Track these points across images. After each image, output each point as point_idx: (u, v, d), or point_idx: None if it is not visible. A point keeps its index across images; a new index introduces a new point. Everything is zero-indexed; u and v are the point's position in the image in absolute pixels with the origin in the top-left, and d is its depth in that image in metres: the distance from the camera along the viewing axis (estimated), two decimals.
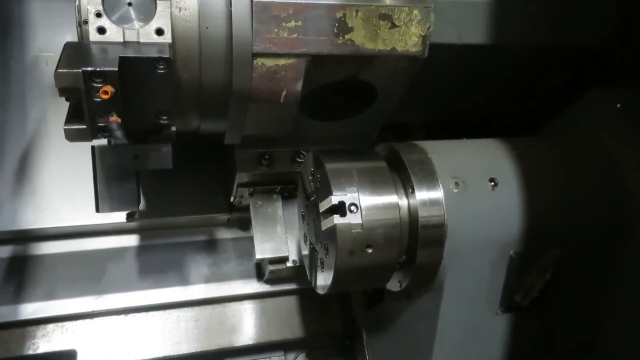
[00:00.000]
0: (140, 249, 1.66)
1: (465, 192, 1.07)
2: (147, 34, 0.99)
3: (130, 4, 1.00)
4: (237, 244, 1.73)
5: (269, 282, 1.67)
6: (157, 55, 0.95)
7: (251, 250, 1.70)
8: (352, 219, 1.01)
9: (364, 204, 1.03)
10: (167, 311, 1.62)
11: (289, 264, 1.53)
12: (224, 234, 1.74)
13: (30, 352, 1.50)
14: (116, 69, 0.89)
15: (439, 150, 1.12)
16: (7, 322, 1.48)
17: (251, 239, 1.70)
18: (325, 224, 1.04)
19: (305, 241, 1.25)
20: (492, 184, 1.09)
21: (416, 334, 1.22)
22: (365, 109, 1.33)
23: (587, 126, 1.23)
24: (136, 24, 0.99)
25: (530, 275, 1.13)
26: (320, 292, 1.15)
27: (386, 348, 1.44)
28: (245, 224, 1.73)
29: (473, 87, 1.37)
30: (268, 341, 1.68)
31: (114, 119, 0.93)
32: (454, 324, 1.14)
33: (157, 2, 1.00)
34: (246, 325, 1.67)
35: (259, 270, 1.69)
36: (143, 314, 1.60)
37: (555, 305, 1.16)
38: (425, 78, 1.24)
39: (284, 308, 1.72)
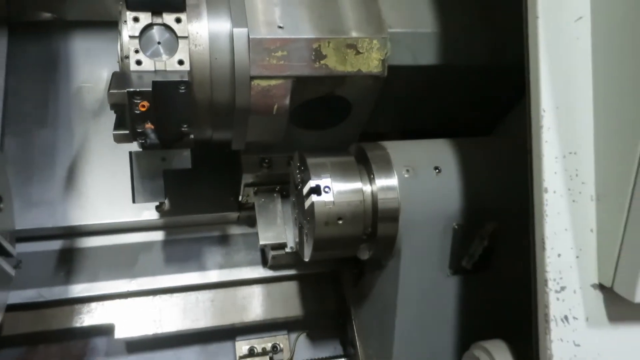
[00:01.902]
0: (165, 243, 1.97)
1: (415, 177, 1.38)
2: (172, 64, 1.34)
3: (159, 43, 1.35)
4: (246, 238, 2.04)
5: (272, 268, 1.97)
6: (179, 79, 1.29)
7: (257, 243, 2.02)
8: (326, 197, 1.34)
9: (335, 187, 1.35)
10: (188, 293, 1.91)
11: (287, 249, 1.83)
12: (235, 230, 2.04)
13: (77, 325, 1.81)
14: (150, 89, 1.24)
15: (395, 147, 1.44)
16: (59, 300, 1.79)
17: (257, 234, 2.03)
18: (307, 203, 1.36)
19: (295, 224, 1.57)
20: (437, 171, 1.40)
21: (385, 296, 1.52)
22: (344, 120, 1.65)
23: (517, 129, 1.54)
24: (164, 57, 1.33)
25: (472, 243, 1.43)
26: (306, 259, 1.46)
27: (367, 317, 1.73)
28: (252, 222, 2.03)
29: (431, 100, 1.68)
30: (273, 318, 1.97)
31: (149, 126, 1.27)
32: (412, 284, 1.44)
33: (179, 40, 1.35)
34: (254, 305, 1.97)
35: (264, 259, 2.00)
36: (168, 295, 1.90)
37: (493, 267, 1.45)
38: (390, 93, 1.57)
39: (286, 291, 2.01)
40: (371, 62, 1.46)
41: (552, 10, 0.88)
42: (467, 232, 1.41)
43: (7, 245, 1.44)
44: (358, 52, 1.44)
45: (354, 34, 1.44)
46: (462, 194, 1.39)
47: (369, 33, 1.44)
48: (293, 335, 2.05)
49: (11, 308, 1.68)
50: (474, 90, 1.66)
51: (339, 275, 2.01)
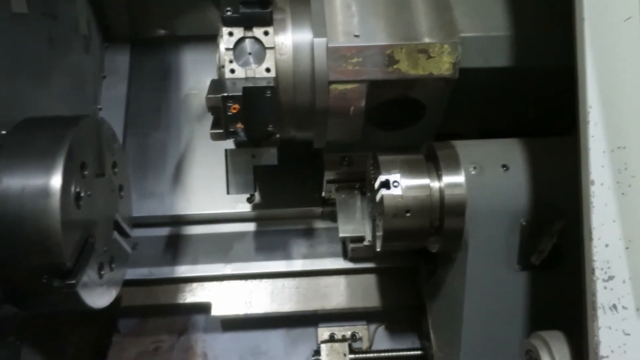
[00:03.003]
0: (256, 233, 2.16)
1: (481, 174, 1.44)
2: (260, 71, 1.52)
3: (250, 53, 1.54)
4: (329, 232, 2.17)
5: (352, 260, 2.09)
6: (266, 85, 1.47)
7: (338, 236, 2.17)
8: (395, 191, 1.45)
9: (403, 182, 1.46)
10: (275, 279, 2.09)
11: (366, 242, 1.95)
12: (319, 224, 2.18)
13: (180, 301, 2.06)
14: (240, 94, 1.43)
15: (464, 145, 1.51)
16: (167, 278, 2.05)
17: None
18: (377, 196, 1.48)
19: (370, 217, 1.69)
20: (505, 168, 1.45)
21: (454, 289, 1.59)
22: (419, 121, 1.74)
23: None
24: (253, 65, 1.52)
25: (541, 240, 1.46)
26: (378, 249, 1.57)
27: (439, 310, 1.80)
28: (335, 217, 2.14)
29: (505, 101, 1.71)
30: (352, 308, 2.09)
31: (239, 125, 1.47)
32: (480, 277, 1.49)
33: (267, 51, 1.53)
34: (335, 294, 2.09)
35: (345, 251, 2.14)
36: (258, 280, 2.08)
37: (562, 264, 1.46)
38: (463, 95, 1.63)
39: (365, 283, 2.12)
40: (442, 66, 1.54)
41: (598, 12, 0.92)
42: (536, 229, 1.44)
43: (127, 228, 1.71)
44: (429, 57, 1.53)
45: (425, 40, 1.53)
46: (529, 191, 1.43)
47: (440, 38, 1.53)
48: (372, 326, 2.16)
49: (128, 283, 1.94)
50: (549, 91, 1.67)
51: (416, 270, 2.09)
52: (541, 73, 1.62)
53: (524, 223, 1.44)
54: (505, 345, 1.52)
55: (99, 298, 1.46)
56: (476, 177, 1.44)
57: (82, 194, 1.33)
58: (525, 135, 1.58)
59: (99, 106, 2.23)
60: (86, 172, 1.37)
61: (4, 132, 1.36)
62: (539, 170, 1.44)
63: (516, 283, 1.49)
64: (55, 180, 1.22)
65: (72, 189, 1.29)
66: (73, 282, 1.27)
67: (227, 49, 1.52)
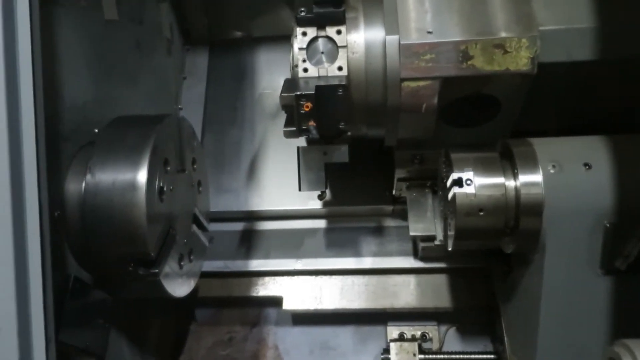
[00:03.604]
0: (327, 230, 2.19)
1: (561, 173, 1.38)
2: (332, 70, 1.54)
3: (322, 52, 1.57)
4: (399, 230, 2.15)
5: (422, 259, 2.07)
6: (338, 83, 1.49)
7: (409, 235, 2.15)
8: (468, 189, 1.42)
9: (477, 180, 1.42)
10: (345, 276, 2.11)
11: (437, 242, 1.92)
12: (389, 222, 2.18)
13: (254, 294, 2.13)
14: (313, 92, 1.46)
15: (542, 143, 1.45)
16: (241, 272, 2.12)
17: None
18: (449, 194, 1.46)
19: (442, 216, 1.66)
20: (587, 167, 1.38)
21: (530, 291, 1.53)
22: (493, 118, 1.70)
23: None
24: (325, 64, 1.55)
25: (627, 243, 1.37)
26: (449, 248, 1.54)
27: (514, 313, 1.74)
28: (405, 215, 2.12)
29: (588, 97, 1.63)
30: (422, 307, 2.07)
31: (312, 123, 1.50)
32: (558, 280, 1.42)
33: (339, 49, 1.55)
34: (404, 293, 2.08)
35: (415, 250, 2.12)
36: (328, 276, 2.11)
37: None
38: (543, 90, 1.57)
39: (436, 283, 2.09)
40: (520, 61, 1.48)
41: None
42: (621, 231, 1.36)
43: (204, 222, 1.79)
44: (506, 52, 1.48)
45: (502, 34, 1.48)
46: (614, 191, 1.35)
47: (517, 32, 1.47)
48: (442, 327, 2.12)
49: (205, 275, 2.04)
50: (635, 85, 1.57)
51: (489, 271, 2.03)
52: (627, 66, 1.52)
53: (608, 225, 1.36)
54: (584, 352, 1.45)
55: (179, 287, 1.54)
56: (555, 176, 1.38)
57: (165, 189, 1.41)
58: (610, 132, 1.50)
59: (179, 106, 2.35)
60: (169, 168, 1.45)
61: (96, 130, 1.47)
62: (625, 169, 1.36)
63: (598, 288, 1.42)
64: (142, 175, 1.31)
65: (156, 183, 1.37)
66: (156, 270, 1.35)
67: (300, 49, 1.56)
